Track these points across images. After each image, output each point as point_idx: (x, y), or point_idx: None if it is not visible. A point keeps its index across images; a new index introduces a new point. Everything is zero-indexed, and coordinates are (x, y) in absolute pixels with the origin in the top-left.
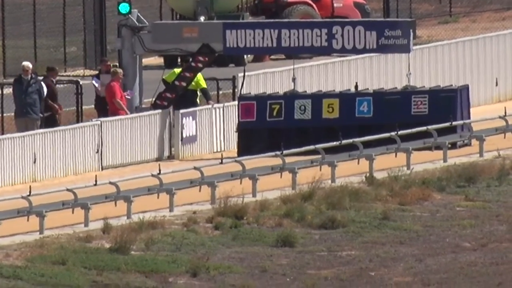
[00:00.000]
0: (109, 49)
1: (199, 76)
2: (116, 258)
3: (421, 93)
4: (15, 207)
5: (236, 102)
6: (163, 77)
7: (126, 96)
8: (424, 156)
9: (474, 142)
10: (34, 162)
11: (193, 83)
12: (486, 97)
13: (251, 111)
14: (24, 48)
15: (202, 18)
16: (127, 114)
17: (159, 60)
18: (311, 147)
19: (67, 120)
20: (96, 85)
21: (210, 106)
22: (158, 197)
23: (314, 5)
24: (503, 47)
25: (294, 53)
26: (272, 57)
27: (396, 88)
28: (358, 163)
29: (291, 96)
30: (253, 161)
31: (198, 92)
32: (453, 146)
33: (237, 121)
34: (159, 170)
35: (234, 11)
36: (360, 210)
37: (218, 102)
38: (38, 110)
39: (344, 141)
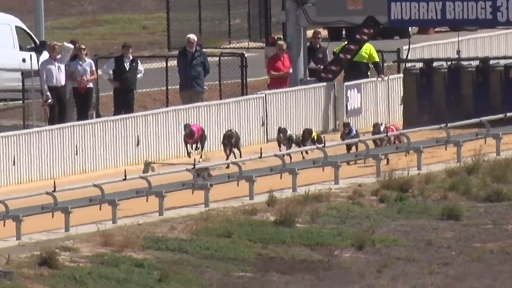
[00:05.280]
0: (274, 21)
1: (372, 49)
2: (281, 231)
3: None
4: (180, 180)
5: (400, 75)
6: (334, 50)
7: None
8: None
9: None
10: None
11: (366, 56)
12: None
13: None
14: (188, 21)
15: None
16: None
17: (324, 33)
18: (476, 119)
19: (232, 92)
20: (110, 72)
21: (380, 79)
22: (323, 170)
23: None
24: None
25: (458, 25)
26: (437, 29)
27: None
28: None
29: (456, 68)
30: (418, 134)
31: (370, 65)
32: None
33: (401, 94)
34: (324, 143)
35: None
36: None
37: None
38: (202, 82)
39: (509, 114)
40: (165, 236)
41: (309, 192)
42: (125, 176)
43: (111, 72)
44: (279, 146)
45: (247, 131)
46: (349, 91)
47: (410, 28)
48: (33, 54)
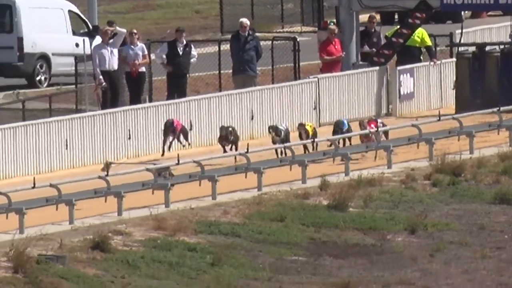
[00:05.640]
0: (326, 5)
1: (425, 33)
2: (334, 215)
3: None
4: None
5: (453, 59)
6: (386, 34)
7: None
8: None
9: None
10: (252, 118)
11: (418, 40)
12: None
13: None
14: (241, 5)
15: None
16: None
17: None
18: None
19: (284, 77)
20: (164, 56)
21: (432, 64)
22: (376, 155)
23: None
24: None
25: (511, 10)
26: (490, 13)
27: None
28: None
29: (509, 52)
30: (470, 118)
31: (423, 50)
32: None
33: (454, 78)
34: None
35: None
36: None
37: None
38: (255, 67)
39: None
40: (218, 220)
41: (362, 177)
42: (178, 160)
43: (164, 56)
44: (274, 143)
45: (299, 115)
46: (401, 76)
47: (462, 12)
48: (86, 38)
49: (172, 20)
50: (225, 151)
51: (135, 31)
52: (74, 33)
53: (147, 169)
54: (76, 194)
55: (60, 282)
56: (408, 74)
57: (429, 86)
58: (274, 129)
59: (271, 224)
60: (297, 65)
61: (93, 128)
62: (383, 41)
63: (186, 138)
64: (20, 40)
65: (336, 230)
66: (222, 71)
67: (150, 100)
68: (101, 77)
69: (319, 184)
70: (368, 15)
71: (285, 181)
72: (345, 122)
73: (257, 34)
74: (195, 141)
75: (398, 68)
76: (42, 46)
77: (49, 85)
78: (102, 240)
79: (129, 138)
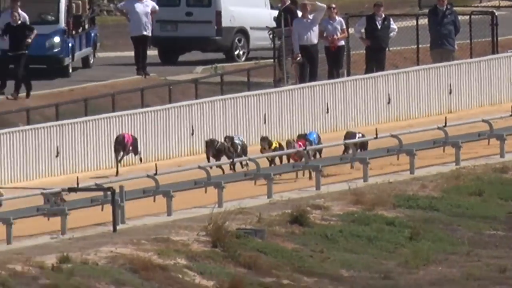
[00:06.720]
0: None
1: None
2: None
3: None
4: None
5: None
6: None
7: None
8: None
9: None
10: (450, 93)
11: None
12: None
13: None
14: None
15: None
16: None
17: None
18: None
19: (483, 51)
20: (362, 30)
21: None
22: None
23: None
24: None
25: None
26: None
27: None
28: None
29: None
30: None
31: None
32: None
33: None
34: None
35: None
36: None
37: None
38: (453, 41)
39: None
40: (416, 194)
41: None
42: (376, 135)
43: (362, 30)
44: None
45: (497, 90)
46: None
47: None
48: (284, 12)
49: None
50: (209, 160)
51: (333, 5)
52: (272, 7)
53: (42, 193)
54: (275, 168)
55: (258, 256)
56: None
57: None
58: (230, 140)
59: (469, 198)
60: (495, 39)
61: (291, 103)
62: None
63: (135, 152)
64: (219, 14)
65: None
66: (420, 46)
67: (348, 74)
68: (298, 51)
69: None
70: None
71: (484, 155)
72: (314, 134)
73: (454, 8)
74: (393, 116)
75: None
76: (240, 20)
77: (247, 59)
78: (301, 214)
79: (327, 112)
